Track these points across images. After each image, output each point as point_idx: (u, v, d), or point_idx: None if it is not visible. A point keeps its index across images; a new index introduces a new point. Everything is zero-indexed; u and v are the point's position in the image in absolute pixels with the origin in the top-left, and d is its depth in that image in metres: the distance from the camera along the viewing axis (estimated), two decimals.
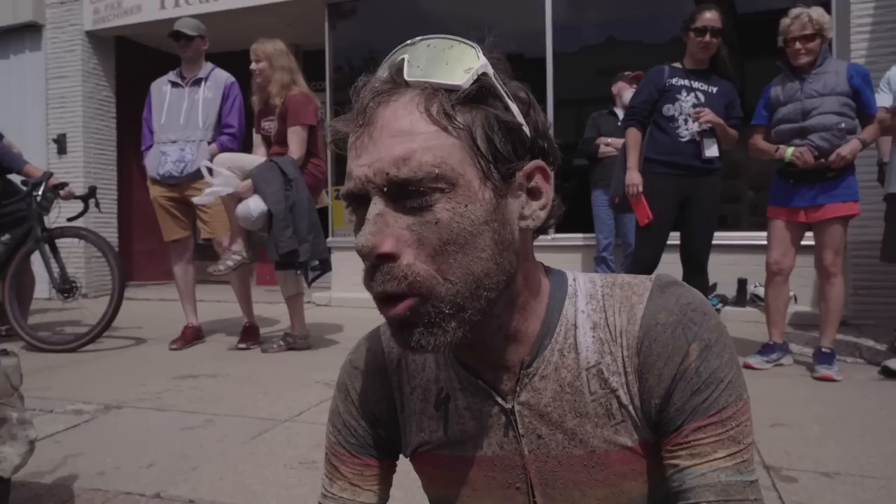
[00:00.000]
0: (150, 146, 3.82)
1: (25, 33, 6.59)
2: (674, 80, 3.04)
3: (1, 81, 6.65)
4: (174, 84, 3.82)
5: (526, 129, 0.59)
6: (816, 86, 2.91)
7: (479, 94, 0.56)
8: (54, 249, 3.79)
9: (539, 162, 0.60)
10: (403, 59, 0.56)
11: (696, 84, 3.04)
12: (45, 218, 3.81)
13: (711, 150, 3.00)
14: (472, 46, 0.57)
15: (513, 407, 0.64)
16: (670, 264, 3.17)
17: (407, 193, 0.54)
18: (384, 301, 0.56)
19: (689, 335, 0.60)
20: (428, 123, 0.54)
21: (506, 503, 0.68)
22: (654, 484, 0.65)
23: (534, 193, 0.61)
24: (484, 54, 0.57)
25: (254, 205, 3.24)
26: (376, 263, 0.54)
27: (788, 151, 2.91)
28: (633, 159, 3.05)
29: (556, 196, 0.63)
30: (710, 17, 2.98)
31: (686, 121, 3.01)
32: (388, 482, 0.75)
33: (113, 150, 6.70)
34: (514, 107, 0.58)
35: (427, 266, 0.54)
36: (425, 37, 0.58)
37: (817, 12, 2.90)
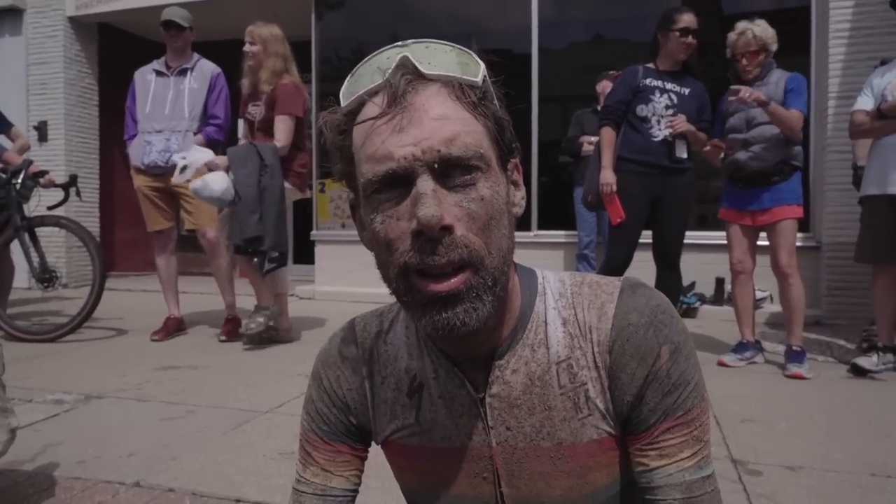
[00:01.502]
0: (134, 135, 3.79)
1: (6, 17, 6.48)
2: (647, 81, 3.08)
3: None
4: (159, 73, 3.79)
5: (507, 128, 0.64)
6: None
7: (485, 91, 0.62)
8: (34, 238, 3.76)
9: (516, 158, 0.67)
10: (407, 56, 0.59)
11: (668, 85, 3.09)
12: (25, 206, 3.77)
13: (682, 151, 3.06)
14: (468, 52, 0.62)
15: (483, 398, 0.67)
16: (644, 262, 3.23)
17: (451, 172, 0.57)
18: (434, 278, 0.58)
19: (660, 337, 0.64)
20: (463, 111, 0.59)
21: (472, 492, 0.70)
22: (617, 475, 0.68)
23: (516, 185, 0.67)
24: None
25: (212, 181, 3.14)
26: (437, 237, 0.56)
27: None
28: (607, 158, 3.09)
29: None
30: (692, 18, 3.03)
31: (659, 121, 3.06)
32: (359, 468, 0.78)
33: (95, 138, 6.62)
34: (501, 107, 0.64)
35: (478, 238, 0.58)
36: (417, 40, 0.61)
37: (760, 28, 2.99)
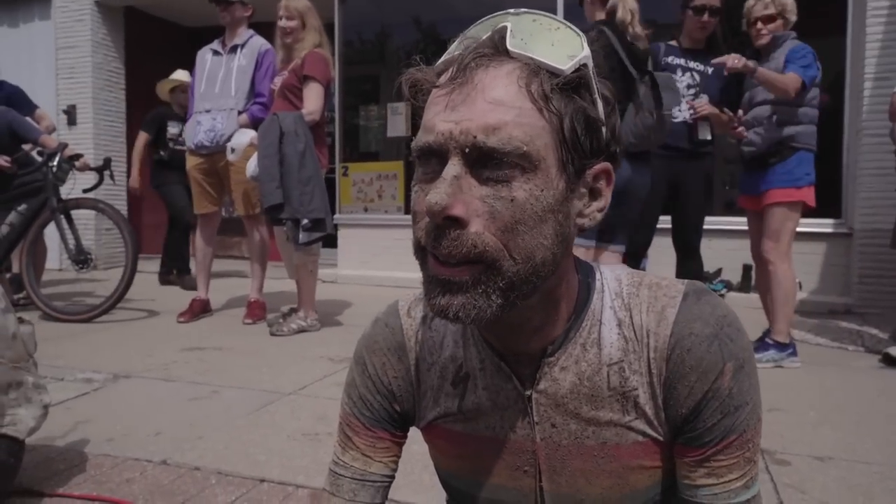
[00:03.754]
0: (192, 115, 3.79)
1: (35, 2, 6.57)
2: (669, 59, 3.00)
3: (11, 50, 6.64)
4: (215, 52, 3.77)
5: (605, 129, 0.59)
6: None
7: (576, 83, 0.56)
8: (70, 220, 3.84)
9: (608, 165, 0.60)
10: (506, 27, 0.56)
11: (691, 63, 3.00)
12: (60, 189, 3.84)
13: (704, 133, 2.97)
14: (579, 34, 0.57)
15: (530, 394, 0.65)
16: (664, 248, 3.18)
17: (486, 163, 0.53)
18: (441, 263, 0.55)
19: (725, 352, 0.61)
20: (525, 100, 0.54)
21: (512, 483, 0.69)
22: (659, 478, 0.66)
23: (594, 194, 0.61)
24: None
25: (249, 163, 3.31)
26: (443, 225, 0.53)
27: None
28: None
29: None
30: None
31: (679, 102, 2.97)
32: (398, 454, 0.77)
33: (122, 122, 6.70)
34: (600, 105, 0.58)
35: (496, 239, 0.54)
36: (530, 10, 0.58)
37: None
